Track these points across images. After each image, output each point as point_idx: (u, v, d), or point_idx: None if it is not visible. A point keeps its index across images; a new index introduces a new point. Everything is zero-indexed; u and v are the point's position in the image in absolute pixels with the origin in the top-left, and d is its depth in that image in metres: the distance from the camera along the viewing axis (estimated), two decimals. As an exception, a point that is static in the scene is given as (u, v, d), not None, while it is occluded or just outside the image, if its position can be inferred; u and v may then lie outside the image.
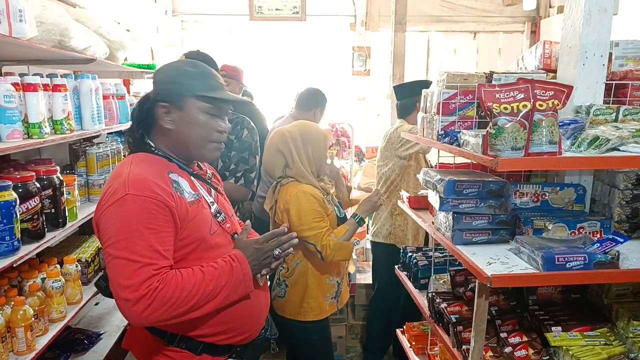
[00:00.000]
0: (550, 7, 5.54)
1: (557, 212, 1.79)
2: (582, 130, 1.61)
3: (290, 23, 5.59)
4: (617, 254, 1.52)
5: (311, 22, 5.59)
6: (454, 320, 1.84)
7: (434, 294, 2.05)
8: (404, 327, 2.59)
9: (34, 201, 1.95)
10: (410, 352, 2.43)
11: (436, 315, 2.00)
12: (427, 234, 3.15)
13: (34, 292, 2.06)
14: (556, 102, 1.52)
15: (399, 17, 4.30)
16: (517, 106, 1.49)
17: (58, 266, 2.32)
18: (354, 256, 3.93)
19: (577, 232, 1.67)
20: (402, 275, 2.46)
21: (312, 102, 3.50)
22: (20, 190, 1.89)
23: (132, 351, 1.66)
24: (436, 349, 2.28)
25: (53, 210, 2.12)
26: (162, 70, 1.58)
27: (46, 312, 2.12)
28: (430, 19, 5.64)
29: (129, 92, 3.52)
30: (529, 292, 1.87)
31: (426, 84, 2.48)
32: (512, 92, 1.53)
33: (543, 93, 1.52)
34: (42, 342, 2.03)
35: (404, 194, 2.37)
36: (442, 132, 1.84)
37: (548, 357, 1.64)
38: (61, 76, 2.37)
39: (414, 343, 2.45)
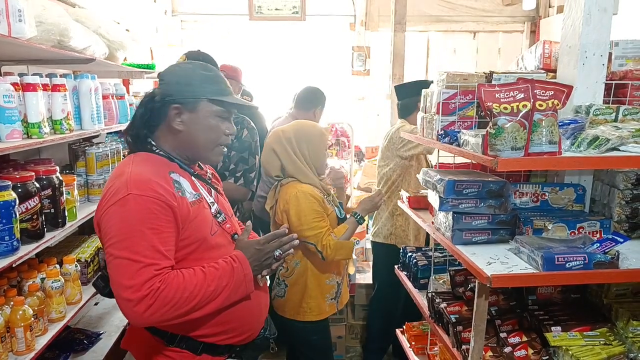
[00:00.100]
0: (550, 6, 5.54)
1: (557, 212, 1.79)
2: (581, 130, 1.61)
3: (289, 23, 5.59)
4: (616, 254, 1.52)
5: (311, 22, 5.59)
6: (454, 320, 1.84)
7: (433, 293, 2.05)
8: (404, 327, 2.59)
9: (34, 201, 1.95)
10: (410, 352, 2.43)
11: (436, 315, 2.00)
12: (428, 234, 3.15)
13: (33, 292, 2.06)
14: (556, 102, 1.52)
15: (399, 17, 4.30)
16: (517, 106, 1.49)
17: (57, 266, 2.32)
18: (354, 256, 3.92)
19: (576, 232, 1.66)
20: (402, 275, 2.46)
21: (311, 102, 3.49)
22: (19, 190, 1.89)
23: (132, 351, 1.66)
24: (436, 348, 2.28)
25: (52, 210, 2.12)
26: (174, 71, 1.57)
27: (45, 312, 2.12)
28: (430, 19, 5.64)
29: (128, 92, 3.52)
30: (528, 292, 1.87)
31: (427, 83, 2.48)
32: (512, 92, 1.53)
33: (543, 93, 1.52)
34: (42, 342, 2.03)
35: (404, 194, 2.37)
36: (442, 132, 1.84)
37: (548, 357, 1.64)
38: (60, 76, 2.36)
39: (413, 343, 2.45)
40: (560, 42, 1.87)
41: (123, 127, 2.82)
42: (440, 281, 2.19)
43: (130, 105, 3.14)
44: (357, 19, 5.65)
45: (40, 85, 2.05)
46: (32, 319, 1.96)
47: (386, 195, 3.19)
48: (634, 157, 1.52)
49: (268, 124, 3.79)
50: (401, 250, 2.55)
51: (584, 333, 1.64)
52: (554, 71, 1.94)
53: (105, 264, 1.71)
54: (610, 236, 1.65)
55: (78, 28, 2.36)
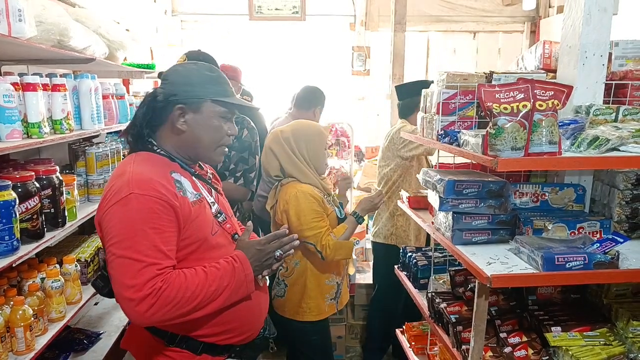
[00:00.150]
0: (549, 7, 5.54)
1: (557, 212, 1.79)
2: (581, 130, 1.61)
3: (289, 23, 5.58)
4: (616, 254, 1.52)
5: (311, 22, 5.58)
6: (454, 320, 1.84)
7: (433, 294, 2.05)
8: (404, 327, 2.59)
9: (33, 201, 1.95)
10: (410, 352, 2.43)
11: (436, 315, 2.00)
12: (428, 234, 3.16)
13: (33, 291, 2.06)
14: (556, 102, 1.52)
15: (399, 17, 4.30)
16: (517, 106, 1.49)
17: (57, 266, 2.32)
18: (354, 256, 3.92)
19: (576, 232, 1.66)
20: (402, 275, 2.46)
21: (311, 101, 3.49)
22: (19, 190, 1.89)
23: (131, 351, 1.66)
24: (436, 349, 2.28)
25: (52, 210, 2.12)
26: (178, 71, 1.57)
27: (45, 312, 2.12)
28: (430, 19, 5.64)
29: (128, 92, 3.52)
30: (528, 292, 1.87)
31: (428, 83, 2.48)
32: (512, 92, 1.53)
33: (543, 93, 1.52)
34: (42, 342, 2.03)
35: (404, 194, 2.37)
36: (442, 132, 1.84)
37: (548, 357, 1.64)
38: (60, 76, 2.36)
39: (413, 343, 2.45)
40: (560, 42, 1.87)
41: (123, 127, 2.82)
42: (440, 281, 2.19)
43: (130, 105, 3.14)
44: (357, 19, 5.65)
45: (40, 85, 2.05)
46: (32, 318, 1.96)
47: (387, 196, 3.19)
48: (634, 158, 1.52)
49: (267, 125, 3.79)
50: (401, 250, 2.55)
51: (584, 333, 1.64)
52: (554, 71, 1.94)
53: (104, 263, 1.71)
54: (610, 236, 1.65)
55: (78, 28, 2.36)
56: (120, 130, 2.92)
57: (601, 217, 1.74)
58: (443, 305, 1.93)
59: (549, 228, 1.66)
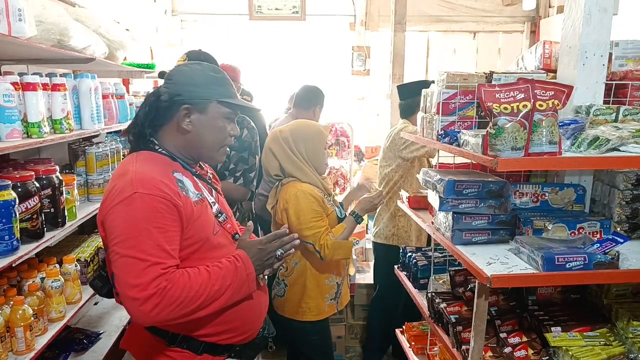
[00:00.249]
0: (550, 7, 5.55)
1: (557, 212, 1.79)
2: (582, 130, 1.61)
3: (289, 23, 5.59)
4: (616, 254, 1.52)
5: (311, 21, 5.58)
6: (454, 321, 1.84)
7: (433, 294, 2.04)
8: (404, 327, 2.59)
9: (33, 201, 1.95)
10: (410, 352, 2.43)
11: (436, 315, 2.00)
12: (430, 235, 3.15)
13: (33, 291, 2.06)
14: (556, 102, 1.52)
15: (399, 17, 4.30)
16: (517, 106, 1.49)
17: (57, 266, 2.32)
18: (354, 256, 3.92)
19: (576, 233, 1.66)
20: (402, 275, 2.46)
21: (310, 100, 3.50)
22: (19, 189, 1.89)
23: (131, 351, 1.66)
24: (435, 349, 2.28)
25: (52, 210, 2.11)
26: (183, 71, 1.57)
27: (45, 312, 2.12)
28: (430, 19, 5.64)
29: (128, 92, 3.52)
30: (528, 292, 1.87)
31: (429, 83, 2.48)
32: (512, 92, 1.53)
33: (543, 93, 1.52)
34: (42, 341, 2.03)
35: (404, 194, 2.37)
36: (442, 132, 1.83)
37: (547, 357, 1.64)
38: (60, 75, 2.36)
39: (413, 343, 2.45)
40: (561, 43, 1.87)
41: (123, 126, 2.82)
42: (440, 281, 2.19)
43: (130, 105, 3.14)
44: (357, 19, 5.65)
45: (40, 85, 2.05)
46: (32, 318, 1.96)
47: (388, 196, 3.19)
48: (634, 158, 1.52)
49: (267, 125, 3.80)
50: (401, 251, 2.55)
51: (584, 333, 1.64)
52: (554, 71, 1.94)
53: (103, 263, 1.71)
54: (610, 236, 1.65)
55: (78, 27, 2.36)
56: (120, 130, 2.94)
57: (601, 217, 1.74)
58: (443, 305, 1.93)
59: (549, 228, 1.66)
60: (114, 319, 3.13)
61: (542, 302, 1.86)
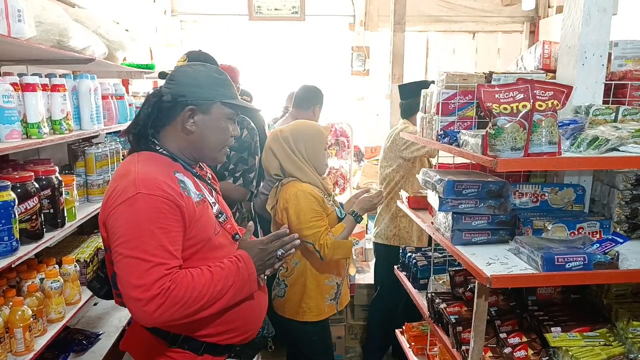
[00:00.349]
0: (549, 7, 5.55)
1: (557, 213, 1.79)
2: (581, 130, 1.61)
3: (289, 23, 5.59)
4: (616, 254, 1.52)
5: (310, 22, 5.59)
6: (454, 321, 1.84)
7: (433, 294, 2.04)
8: (403, 327, 2.59)
9: (33, 201, 1.95)
10: (410, 353, 2.43)
11: (435, 315, 2.00)
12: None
13: (32, 292, 2.06)
14: (555, 102, 1.52)
15: (398, 17, 4.30)
16: (517, 106, 1.49)
17: (57, 266, 2.31)
18: (354, 256, 3.92)
19: (576, 233, 1.66)
20: (402, 276, 2.46)
21: (309, 100, 3.51)
22: (18, 190, 1.89)
23: (131, 353, 1.65)
24: (435, 349, 2.28)
25: (52, 211, 2.11)
26: (187, 72, 1.57)
27: (45, 313, 2.12)
28: (429, 19, 5.64)
29: (127, 92, 3.52)
30: (528, 293, 1.87)
31: (431, 84, 2.48)
32: (511, 92, 1.53)
33: (542, 93, 1.52)
34: (41, 342, 2.02)
35: (404, 194, 2.37)
36: (442, 132, 1.83)
37: (547, 357, 1.64)
38: (60, 76, 2.36)
39: (413, 343, 2.45)
40: (560, 43, 1.87)
41: (122, 127, 2.82)
42: (440, 281, 2.19)
43: (130, 105, 3.14)
44: (357, 19, 5.65)
45: (40, 86, 2.05)
46: (31, 319, 1.95)
47: (388, 197, 3.19)
48: (633, 158, 1.52)
49: (266, 126, 3.80)
50: (400, 251, 2.54)
51: (584, 334, 1.64)
52: (554, 71, 1.94)
53: (102, 264, 1.71)
54: (610, 236, 1.65)
55: (77, 28, 2.36)
56: (120, 131, 2.94)
57: (601, 217, 1.74)
58: (443, 305, 1.93)
59: (549, 228, 1.66)
60: (114, 319, 3.12)
61: (542, 302, 1.86)
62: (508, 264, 1.56)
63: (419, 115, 2.14)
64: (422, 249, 2.49)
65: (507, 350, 1.66)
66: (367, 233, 4.22)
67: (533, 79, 1.58)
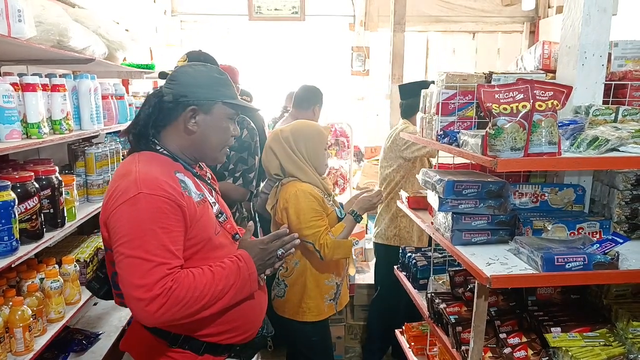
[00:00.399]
0: (549, 7, 5.55)
1: (557, 213, 1.79)
2: (581, 130, 1.61)
3: (289, 23, 5.59)
4: (616, 254, 1.52)
5: (310, 22, 5.59)
6: (453, 321, 1.84)
7: (433, 294, 2.04)
8: (403, 327, 2.59)
9: (33, 201, 1.95)
10: (409, 353, 2.43)
11: (435, 315, 2.00)
12: (431, 236, 3.15)
13: (32, 292, 2.06)
14: (555, 102, 1.52)
15: (398, 17, 4.30)
16: (517, 106, 1.49)
17: (56, 266, 2.31)
18: (354, 256, 3.92)
19: (576, 233, 1.66)
20: (401, 276, 2.46)
21: (309, 100, 3.52)
22: (18, 190, 1.89)
23: (131, 353, 1.65)
24: (435, 349, 2.28)
25: (52, 211, 2.11)
26: (188, 72, 1.57)
27: (44, 313, 2.12)
28: (429, 19, 5.64)
29: (127, 92, 3.52)
30: (528, 293, 1.87)
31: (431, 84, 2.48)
32: (511, 93, 1.53)
33: (542, 93, 1.52)
34: (41, 342, 2.03)
35: (403, 194, 2.37)
36: (442, 132, 1.83)
37: (547, 357, 1.64)
38: (60, 76, 2.36)
39: (413, 343, 2.45)
40: (560, 43, 1.87)
41: (122, 127, 2.82)
42: (440, 282, 2.19)
43: (130, 105, 3.14)
44: (357, 19, 5.66)
45: (40, 86, 2.05)
46: (31, 319, 1.95)
47: (389, 197, 3.18)
48: (633, 158, 1.52)
49: (266, 126, 3.81)
50: (400, 251, 2.54)
51: (584, 334, 1.64)
52: (554, 72, 1.94)
53: (100, 264, 1.71)
54: (609, 237, 1.65)
55: (77, 28, 2.36)
56: (120, 131, 2.94)
57: (601, 217, 1.74)
58: (442, 305, 1.93)
59: (549, 228, 1.66)
60: (113, 319, 3.13)
61: (542, 302, 1.86)
62: (508, 264, 1.56)
63: (419, 115, 2.14)
64: (422, 249, 2.49)
65: (507, 350, 1.66)
66: (366, 233, 4.22)
67: (533, 79, 1.58)
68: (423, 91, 2.11)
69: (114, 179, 1.47)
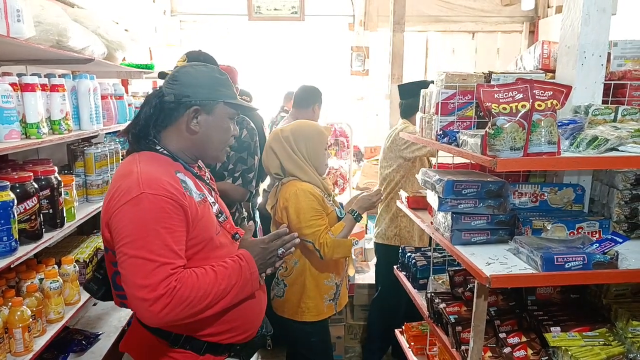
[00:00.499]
0: (548, 7, 5.55)
1: (556, 212, 1.79)
2: (580, 130, 1.61)
3: (288, 23, 5.59)
4: (616, 254, 1.51)
5: (310, 22, 5.59)
6: (453, 321, 1.84)
7: (432, 294, 2.04)
8: (403, 327, 2.59)
9: (32, 201, 1.95)
10: (409, 353, 2.43)
11: (435, 315, 2.00)
12: (432, 235, 3.14)
13: (31, 292, 2.06)
14: (555, 102, 1.52)
15: (398, 17, 4.30)
16: (516, 106, 1.49)
17: (56, 267, 2.31)
18: (354, 256, 3.92)
19: (576, 232, 1.66)
20: (401, 276, 2.46)
21: (308, 100, 3.55)
22: (18, 190, 1.89)
23: (131, 354, 1.64)
24: (435, 349, 2.28)
25: (51, 211, 2.11)
26: (189, 72, 1.56)
27: (44, 313, 2.12)
28: (429, 19, 5.64)
29: (127, 92, 3.52)
30: (528, 293, 1.87)
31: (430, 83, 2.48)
32: (510, 92, 1.53)
33: (542, 93, 1.52)
34: (40, 343, 2.02)
35: (403, 194, 2.37)
36: (441, 132, 1.83)
37: (547, 357, 1.64)
38: (59, 76, 2.36)
39: (412, 343, 2.45)
40: (559, 43, 1.87)
41: (122, 127, 2.82)
42: (440, 281, 2.19)
43: (129, 105, 3.14)
44: (356, 19, 5.66)
45: (39, 86, 2.05)
46: (31, 319, 1.95)
47: (389, 197, 3.18)
48: (632, 157, 1.52)
49: (265, 125, 3.82)
50: (400, 251, 2.54)
51: (584, 333, 1.64)
52: (553, 71, 1.94)
53: (98, 265, 1.71)
54: (609, 236, 1.65)
55: (77, 28, 2.36)
56: (119, 131, 2.93)
57: (600, 217, 1.74)
58: (442, 305, 1.93)
59: (548, 228, 1.66)
60: (113, 319, 3.12)
61: (542, 302, 1.86)
62: (507, 263, 1.55)
63: (419, 115, 2.14)
64: (422, 249, 2.49)
65: (507, 350, 1.66)
66: (366, 233, 4.22)
67: (532, 79, 1.58)
68: (422, 91, 2.11)
69: (115, 179, 1.47)
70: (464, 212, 1.72)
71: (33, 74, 2.10)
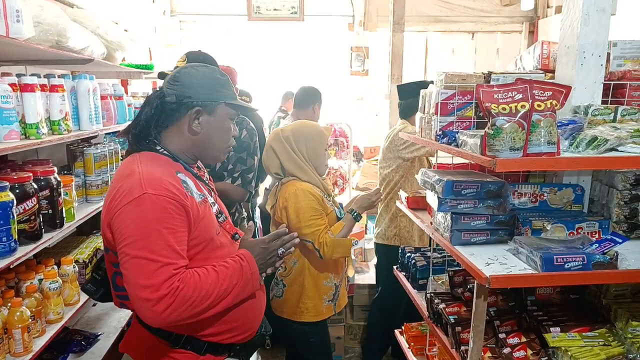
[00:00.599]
0: (548, 7, 5.55)
1: (556, 213, 1.79)
2: (580, 130, 1.61)
3: (288, 23, 5.59)
4: (615, 254, 1.51)
5: (309, 22, 5.59)
6: (453, 321, 1.84)
7: (432, 294, 2.04)
8: (403, 327, 2.58)
9: (31, 202, 1.94)
10: (409, 353, 2.43)
11: (435, 315, 2.00)
12: (431, 236, 3.14)
13: (31, 293, 2.06)
14: (554, 102, 1.52)
15: (397, 17, 4.30)
16: (516, 106, 1.49)
17: (55, 267, 2.31)
18: (353, 257, 3.92)
19: (575, 233, 1.66)
20: (401, 276, 2.45)
21: (308, 100, 3.58)
22: (17, 191, 1.89)
23: (131, 354, 1.64)
24: (435, 349, 2.28)
25: (50, 211, 2.11)
26: (191, 73, 1.56)
27: (43, 314, 2.11)
28: (429, 19, 5.64)
29: (126, 93, 3.51)
30: (527, 293, 1.87)
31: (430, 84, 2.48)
32: (510, 93, 1.53)
33: (541, 93, 1.52)
34: (40, 343, 2.02)
35: (402, 194, 2.37)
36: (441, 132, 1.83)
37: (547, 357, 1.64)
38: (59, 76, 2.36)
39: (412, 344, 2.45)
40: (559, 43, 1.87)
41: (121, 127, 2.82)
42: (439, 282, 2.19)
43: (129, 105, 3.13)
44: (356, 19, 5.66)
45: (38, 86, 2.05)
46: (30, 320, 1.95)
47: (388, 197, 3.18)
48: (632, 158, 1.52)
49: (265, 126, 3.82)
50: (400, 251, 2.54)
51: (583, 334, 1.64)
52: (553, 72, 1.94)
53: (96, 266, 1.71)
54: (609, 236, 1.65)
55: (76, 28, 2.36)
56: (119, 131, 2.93)
57: (600, 217, 1.74)
58: (442, 305, 1.93)
59: (548, 228, 1.66)
60: (113, 320, 3.12)
61: (541, 302, 1.86)
62: (507, 264, 1.55)
63: (418, 115, 2.14)
64: (421, 249, 2.49)
65: (506, 350, 1.66)
66: (366, 233, 4.22)
67: (532, 79, 1.58)
68: (422, 91, 2.11)
69: (116, 180, 1.47)
70: (463, 213, 1.71)
71: (32, 74, 2.10)
